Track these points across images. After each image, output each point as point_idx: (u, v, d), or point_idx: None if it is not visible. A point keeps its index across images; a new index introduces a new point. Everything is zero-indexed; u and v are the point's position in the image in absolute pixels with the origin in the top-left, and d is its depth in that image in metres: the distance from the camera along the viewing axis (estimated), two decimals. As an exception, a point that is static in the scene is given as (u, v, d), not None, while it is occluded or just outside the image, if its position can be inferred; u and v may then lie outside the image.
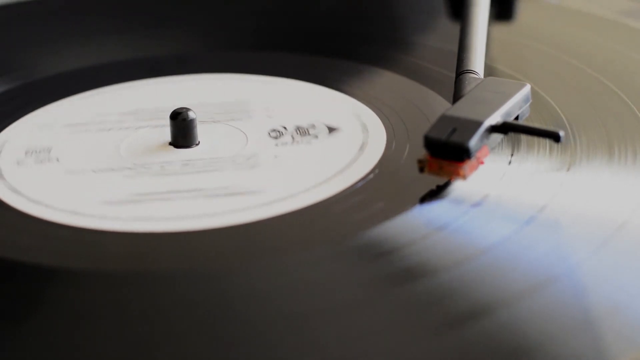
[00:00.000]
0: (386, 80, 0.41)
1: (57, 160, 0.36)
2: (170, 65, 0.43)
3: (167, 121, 0.36)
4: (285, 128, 0.37)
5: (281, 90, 0.41)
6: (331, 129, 0.36)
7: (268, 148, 0.36)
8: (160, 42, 0.46)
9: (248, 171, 0.34)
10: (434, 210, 0.31)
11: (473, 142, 0.31)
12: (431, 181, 0.32)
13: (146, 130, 0.38)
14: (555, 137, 0.31)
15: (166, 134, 0.37)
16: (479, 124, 0.32)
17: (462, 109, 0.32)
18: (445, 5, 0.48)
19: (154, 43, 0.46)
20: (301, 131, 0.36)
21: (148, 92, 0.41)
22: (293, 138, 0.36)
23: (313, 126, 0.37)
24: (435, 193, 0.32)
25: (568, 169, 0.33)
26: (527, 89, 0.34)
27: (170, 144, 0.36)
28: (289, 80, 0.41)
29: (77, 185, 0.34)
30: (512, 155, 0.34)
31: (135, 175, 0.35)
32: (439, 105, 0.38)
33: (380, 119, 0.37)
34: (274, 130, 0.37)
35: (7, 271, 0.30)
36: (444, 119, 0.32)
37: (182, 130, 0.36)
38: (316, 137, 0.36)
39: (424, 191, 0.32)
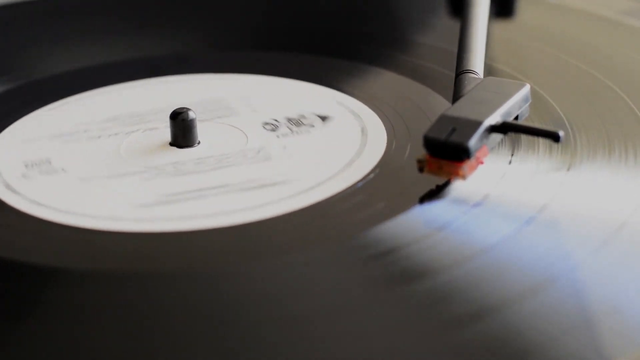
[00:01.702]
0: (386, 79, 0.41)
1: (64, 170, 0.35)
2: (144, 67, 0.43)
3: (150, 124, 0.37)
4: (276, 120, 0.37)
5: (255, 86, 0.41)
6: (323, 118, 0.37)
7: (272, 140, 0.36)
8: (147, 42, 0.46)
9: (264, 163, 0.34)
10: (434, 210, 0.31)
11: (472, 142, 0.31)
12: (431, 181, 0.32)
13: (138, 135, 0.37)
14: (554, 137, 0.31)
15: (159, 135, 0.37)
16: (478, 123, 0.32)
17: (462, 109, 0.32)
18: (445, 5, 0.48)
19: (146, 43, 0.46)
20: (293, 122, 0.37)
21: (124, 96, 0.41)
22: (290, 129, 0.36)
23: (303, 116, 0.37)
24: (435, 193, 0.32)
25: (568, 169, 0.33)
26: (526, 89, 0.34)
27: (171, 144, 0.36)
28: (259, 77, 0.41)
29: (102, 192, 0.34)
30: (512, 155, 0.34)
31: (154, 177, 0.34)
32: (439, 105, 0.38)
33: (380, 119, 0.37)
34: (267, 124, 0.37)
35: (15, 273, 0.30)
36: (443, 119, 0.32)
37: (182, 130, 0.36)
38: (312, 126, 0.36)
39: (424, 191, 0.32)
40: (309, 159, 0.35)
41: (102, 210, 0.32)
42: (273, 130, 0.37)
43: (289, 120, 0.37)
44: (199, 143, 0.36)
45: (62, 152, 0.37)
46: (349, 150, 0.35)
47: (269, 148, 0.35)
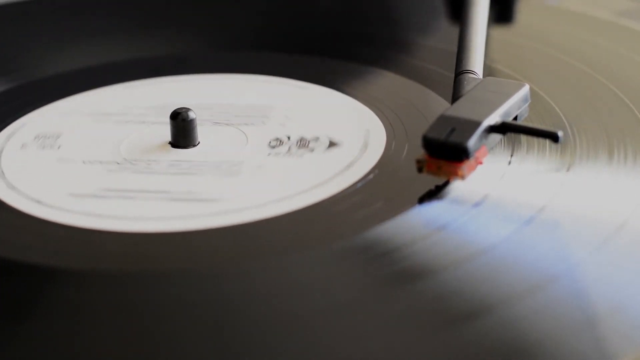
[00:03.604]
0: (386, 80, 0.41)
1: (59, 147, 0.36)
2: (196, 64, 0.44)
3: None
4: (288, 138, 0.36)
5: (307, 98, 0.40)
6: (332, 144, 0.36)
7: (258, 157, 0.35)
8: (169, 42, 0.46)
9: (224, 178, 0.34)
10: (433, 210, 0.31)
11: (472, 142, 0.31)
12: (431, 181, 0.32)
13: (156, 127, 0.38)
14: (554, 138, 0.31)
15: (165, 134, 0.37)
16: (477, 124, 0.32)
17: (461, 109, 0.32)
18: (445, 6, 0.48)
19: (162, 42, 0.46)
20: (302, 143, 0.36)
21: (176, 88, 0.41)
22: (289, 149, 0.36)
23: (317, 139, 0.36)
24: (435, 193, 0.32)
25: (568, 169, 0.33)
26: (526, 89, 0.34)
27: (170, 143, 0.36)
28: (322, 88, 0.41)
29: (57, 175, 0.35)
30: (511, 155, 0.34)
31: (118, 170, 0.35)
32: (438, 105, 0.38)
33: (380, 119, 0.37)
34: (276, 139, 0.37)
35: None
36: (442, 119, 0.32)
37: (181, 130, 0.36)
38: (312, 150, 0.36)
39: (423, 191, 0.32)
40: (264, 183, 0.34)
41: (33, 193, 0.34)
42: (274, 147, 0.36)
43: (300, 140, 0.36)
44: (198, 144, 0.36)
45: (78, 130, 0.38)
46: (312, 179, 0.34)
47: (246, 164, 0.35)
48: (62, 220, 0.32)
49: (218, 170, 0.34)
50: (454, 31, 0.41)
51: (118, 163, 0.35)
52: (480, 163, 0.32)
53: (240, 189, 0.33)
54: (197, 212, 0.32)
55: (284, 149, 0.36)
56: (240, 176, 0.34)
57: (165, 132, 0.37)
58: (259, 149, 0.36)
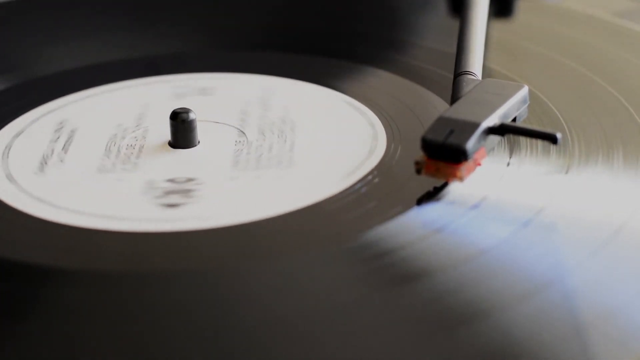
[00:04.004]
0: (385, 81, 0.41)
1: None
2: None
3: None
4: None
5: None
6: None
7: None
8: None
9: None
10: (432, 212, 0.31)
11: (470, 144, 0.31)
12: (430, 183, 0.32)
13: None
14: (552, 139, 0.32)
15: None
16: (476, 125, 0.32)
17: (460, 111, 0.33)
18: (444, 6, 0.48)
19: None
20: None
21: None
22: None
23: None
24: (433, 195, 0.32)
25: (566, 172, 0.33)
26: (525, 90, 0.34)
27: (169, 144, 0.37)
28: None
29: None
30: (510, 157, 0.34)
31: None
32: (437, 106, 0.38)
33: (380, 121, 0.37)
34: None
35: None
36: (441, 121, 0.32)
37: (180, 131, 0.36)
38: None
39: (421, 193, 0.32)
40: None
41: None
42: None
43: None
44: (198, 143, 0.36)
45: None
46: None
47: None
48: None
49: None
50: (454, 32, 0.41)
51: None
52: (479, 165, 0.32)
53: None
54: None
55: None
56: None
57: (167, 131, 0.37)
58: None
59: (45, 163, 0.35)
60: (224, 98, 0.40)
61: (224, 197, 0.33)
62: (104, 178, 0.35)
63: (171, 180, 0.34)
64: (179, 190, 0.33)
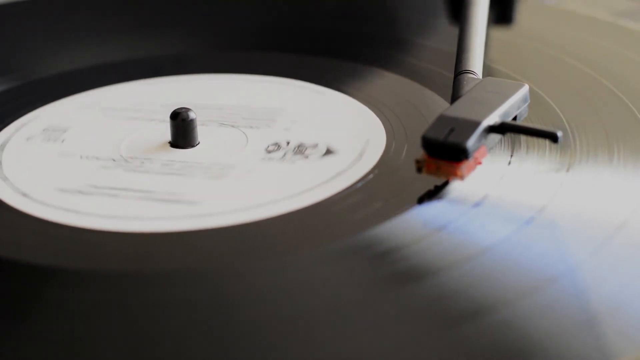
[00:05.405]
0: (385, 80, 0.41)
1: (63, 141, 0.37)
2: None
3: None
4: (287, 143, 0.36)
5: (308, 98, 0.40)
6: (328, 152, 0.36)
7: (250, 161, 0.35)
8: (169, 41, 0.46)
9: (208, 181, 0.34)
10: (433, 210, 0.31)
11: (471, 143, 0.31)
12: (431, 182, 0.32)
13: (163, 126, 0.38)
14: (553, 138, 0.31)
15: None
16: (477, 124, 0.32)
17: (460, 109, 0.32)
18: (444, 6, 0.48)
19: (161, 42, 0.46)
20: (298, 150, 0.36)
21: (188, 87, 0.42)
22: (285, 155, 0.36)
23: (315, 146, 0.36)
24: (434, 193, 0.32)
25: (568, 170, 0.33)
26: (525, 89, 0.34)
27: (170, 143, 0.36)
28: (322, 88, 0.41)
29: (51, 168, 0.35)
30: (511, 155, 0.34)
31: (113, 167, 0.35)
32: (438, 105, 0.38)
33: (380, 119, 0.37)
34: (274, 144, 0.36)
35: None
36: (442, 119, 0.32)
37: (180, 131, 0.36)
38: (307, 157, 0.35)
39: (422, 191, 0.32)
40: (247, 188, 0.34)
41: (21, 185, 0.34)
42: (270, 152, 0.36)
43: (298, 146, 0.36)
44: (198, 143, 0.36)
45: (87, 124, 0.39)
46: (296, 186, 0.34)
47: (235, 168, 0.35)
48: (48, 217, 0.32)
49: (208, 172, 0.34)
50: (454, 31, 0.41)
51: (114, 160, 0.35)
52: (480, 163, 0.32)
53: (225, 191, 0.33)
54: (182, 213, 0.32)
55: (279, 154, 0.36)
56: (228, 179, 0.34)
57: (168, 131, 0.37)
58: (255, 154, 0.36)
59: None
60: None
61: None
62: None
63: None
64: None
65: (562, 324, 0.26)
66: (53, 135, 0.38)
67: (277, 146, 0.36)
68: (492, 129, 0.32)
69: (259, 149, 0.36)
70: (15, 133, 0.38)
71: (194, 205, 0.32)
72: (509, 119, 0.33)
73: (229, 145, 0.36)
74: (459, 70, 0.36)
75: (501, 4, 0.47)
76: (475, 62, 0.37)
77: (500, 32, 0.45)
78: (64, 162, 0.36)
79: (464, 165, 0.31)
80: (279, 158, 0.35)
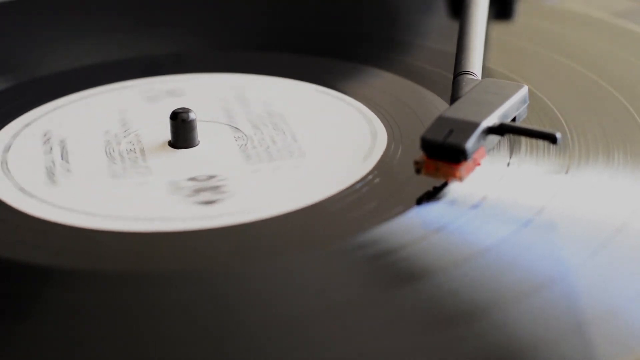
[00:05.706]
0: (385, 81, 0.41)
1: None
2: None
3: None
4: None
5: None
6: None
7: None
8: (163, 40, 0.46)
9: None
10: (431, 211, 0.31)
11: (470, 144, 0.31)
12: (429, 183, 0.32)
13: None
14: (552, 139, 0.31)
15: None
16: (475, 125, 0.32)
17: (459, 110, 0.33)
18: (444, 6, 0.48)
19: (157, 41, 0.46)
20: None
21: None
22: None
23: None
24: (433, 195, 0.32)
25: (567, 172, 0.33)
26: (524, 90, 0.34)
27: (169, 143, 0.37)
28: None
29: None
30: (510, 157, 0.34)
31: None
32: (437, 106, 0.38)
33: (380, 120, 0.37)
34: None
35: None
36: (441, 120, 0.32)
37: (180, 131, 0.36)
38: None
39: (421, 193, 0.32)
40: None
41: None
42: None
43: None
44: (198, 143, 0.36)
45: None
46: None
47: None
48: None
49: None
50: (453, 32, 0.41)
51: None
52: (479, 164, 0.32)
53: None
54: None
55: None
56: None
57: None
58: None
59: (53, 174, 0.35)
60: (230, 100, 0.40)
61: (211, 199, 0.33)
62: (94, 174, 0.35)
63: (193, 179, 0.34)
64: (207, 188, 0.33)
65: (558, 327, 0.26)
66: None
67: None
68: (491, 130, 0.32)
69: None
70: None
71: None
72: (508, 120, 0.33)
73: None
74: (459, 71, 0.36)
75: (501, 1, 0.47)
76: (475, 63, 0.37)
77: (500, 33, 0.45)
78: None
79: (463, 167, 0.31)
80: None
